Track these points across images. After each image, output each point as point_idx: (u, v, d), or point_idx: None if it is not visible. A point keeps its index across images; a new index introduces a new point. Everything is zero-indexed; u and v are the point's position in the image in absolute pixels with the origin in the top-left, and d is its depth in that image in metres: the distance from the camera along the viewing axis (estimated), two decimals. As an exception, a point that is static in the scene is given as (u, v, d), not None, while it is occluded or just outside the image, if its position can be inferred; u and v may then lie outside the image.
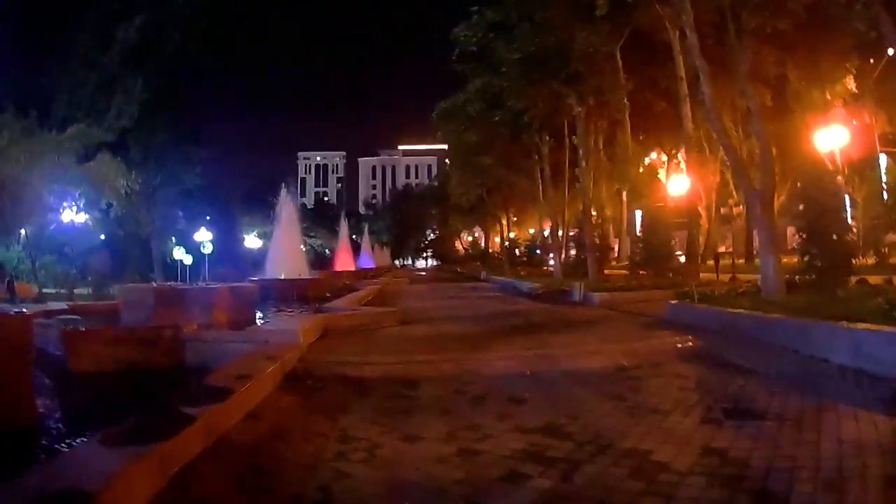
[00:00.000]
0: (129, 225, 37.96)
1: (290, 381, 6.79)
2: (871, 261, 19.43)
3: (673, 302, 12.05)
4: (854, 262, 11.89)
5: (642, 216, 21.71)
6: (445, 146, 55.93)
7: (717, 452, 4.23)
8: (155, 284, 21.33)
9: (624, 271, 27.80)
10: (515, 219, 54.81)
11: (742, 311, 9.65)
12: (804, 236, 11.76)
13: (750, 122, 32.83)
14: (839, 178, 28.06)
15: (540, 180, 35.20)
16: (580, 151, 21.73)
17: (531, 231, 55.59)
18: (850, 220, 13.95)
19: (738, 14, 12.41)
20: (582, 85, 20.08)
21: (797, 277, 11.56)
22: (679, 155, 41.16)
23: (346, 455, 4.48)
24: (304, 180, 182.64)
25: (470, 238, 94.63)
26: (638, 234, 21.75)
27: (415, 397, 6.40)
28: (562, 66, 19.62)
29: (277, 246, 28.07)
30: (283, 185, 28.64)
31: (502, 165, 37.72)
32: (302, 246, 30.53)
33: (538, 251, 45.82)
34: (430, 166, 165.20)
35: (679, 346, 8.78)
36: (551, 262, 44.97)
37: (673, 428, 4.91)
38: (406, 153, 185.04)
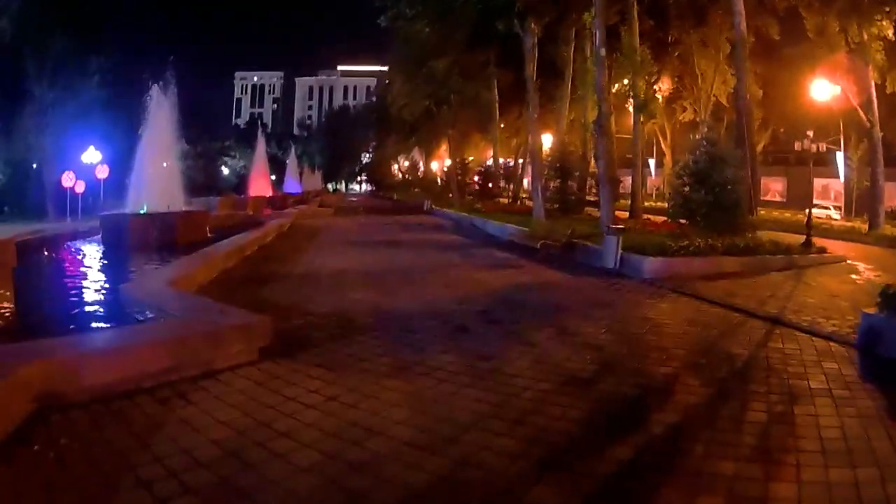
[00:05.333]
0: (19, 151, 33.79)
1: None
2: None
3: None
4: None
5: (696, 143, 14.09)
6: (386, 67, 46.73)
7: None
8: None
9: (624, 213, 21.18)
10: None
11: None
12: None
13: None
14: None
15: (497, 95, 27.56)
16: (597, 35, 14.28)
17: (470, 158, 47.44)
18: None
19: None
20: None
21: None
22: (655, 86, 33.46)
23: None
24: (239, 101, 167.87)
25: (407, 163, 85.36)
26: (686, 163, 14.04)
27: None
28: None
29: (142, 166, 19.00)
30: (155, 81, 19.12)
31: (457, 73, 30.41)
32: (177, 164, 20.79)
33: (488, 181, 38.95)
34: (368, 87, 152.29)
35: None
36: (521, 195, 38.27)
37: None
38: (345, 73, 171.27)
